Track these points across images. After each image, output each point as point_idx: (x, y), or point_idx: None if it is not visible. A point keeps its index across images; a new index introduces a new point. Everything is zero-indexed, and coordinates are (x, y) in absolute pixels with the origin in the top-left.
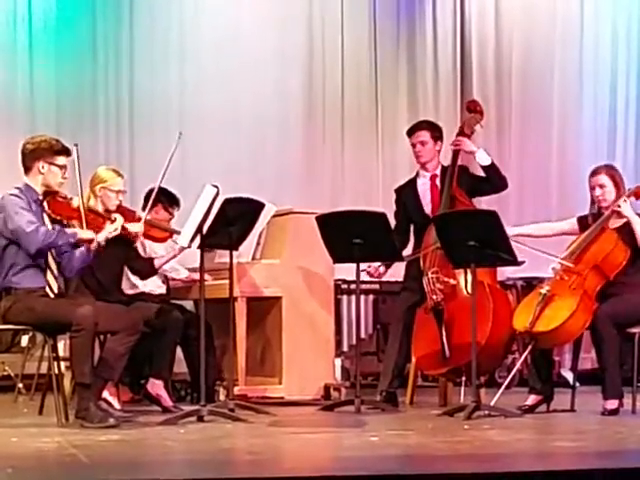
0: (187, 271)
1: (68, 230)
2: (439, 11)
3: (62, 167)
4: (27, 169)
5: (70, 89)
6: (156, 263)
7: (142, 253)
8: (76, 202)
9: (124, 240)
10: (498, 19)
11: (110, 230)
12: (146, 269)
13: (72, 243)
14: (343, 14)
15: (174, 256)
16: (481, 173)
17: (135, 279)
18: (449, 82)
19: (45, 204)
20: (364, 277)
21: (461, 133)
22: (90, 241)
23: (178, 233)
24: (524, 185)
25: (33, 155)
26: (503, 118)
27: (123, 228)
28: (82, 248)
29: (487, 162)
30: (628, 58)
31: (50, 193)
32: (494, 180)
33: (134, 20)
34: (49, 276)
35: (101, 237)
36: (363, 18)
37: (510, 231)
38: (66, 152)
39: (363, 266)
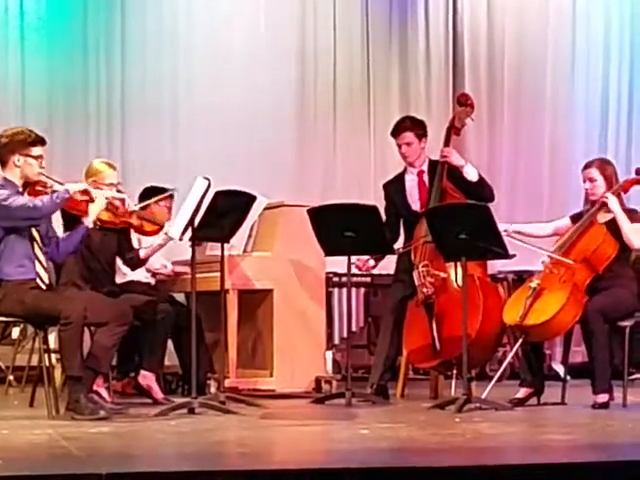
0: (171, 265)
1: (57, 189)
2: (431, 5)
3: (38, 158)
4: (3, 163)
5: (62, 83)
6: (142, 253)
7: (138, 246)
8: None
9: (117, 231)
10: (490, 13)
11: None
12: (135, 260)
13: (66, 199)
14: (335, 7)
15: (160, 246)
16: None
17: (125, 268)
18: (441, 76)
19: (26, 195)
20: (355, 270)
21: (452, 127)
22: (84, 192)
23: (163, 226)
24: (516, 178)
25: (7, 149)
26: (495, 111)
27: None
28: (69, 232)
29: (475, 178)
30: (620, 50)
31: (30, 184)
32: (482, 194)
33: (126, 12)
34: (38, 267)
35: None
36: (355, 11)
37: (508, 227)
38: (41, 142)
39: (354, 259)
